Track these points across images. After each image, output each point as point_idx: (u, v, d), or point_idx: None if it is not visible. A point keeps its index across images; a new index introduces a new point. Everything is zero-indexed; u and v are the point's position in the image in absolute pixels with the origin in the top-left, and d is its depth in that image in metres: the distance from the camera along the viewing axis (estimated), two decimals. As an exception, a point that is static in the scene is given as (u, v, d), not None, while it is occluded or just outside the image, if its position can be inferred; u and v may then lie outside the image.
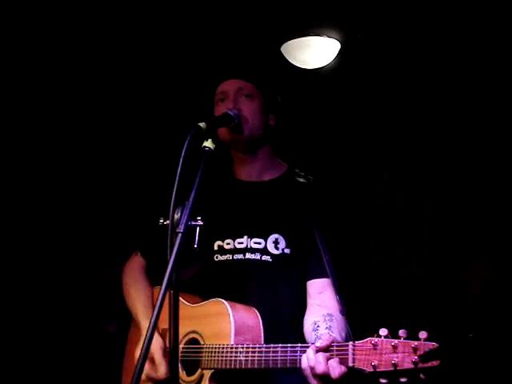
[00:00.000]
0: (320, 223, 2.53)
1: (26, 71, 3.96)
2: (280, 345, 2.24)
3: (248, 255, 2.56)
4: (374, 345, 2.00)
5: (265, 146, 2.65)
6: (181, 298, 2.47)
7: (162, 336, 2.57)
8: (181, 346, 2.49)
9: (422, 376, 1.92)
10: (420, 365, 1.91)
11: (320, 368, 2.09)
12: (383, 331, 1.99)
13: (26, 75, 3.99)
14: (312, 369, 2.11)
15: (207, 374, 2.39)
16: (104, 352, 4.21)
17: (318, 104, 4.50)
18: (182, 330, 2.45)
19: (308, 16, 3.95)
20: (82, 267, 4.56)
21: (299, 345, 2.20)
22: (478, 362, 3.89)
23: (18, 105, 4.13)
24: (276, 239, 2.54)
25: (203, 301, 2.53)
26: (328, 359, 2.10)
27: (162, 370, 2.47)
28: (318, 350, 2.12)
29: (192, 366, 2.45)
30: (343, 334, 2.34)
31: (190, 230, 1.99)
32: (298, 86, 4.36)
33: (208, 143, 2.20)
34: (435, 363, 1.90)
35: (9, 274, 4.24)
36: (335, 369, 2.07)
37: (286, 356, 2.21)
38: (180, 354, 2.47)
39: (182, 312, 2.41)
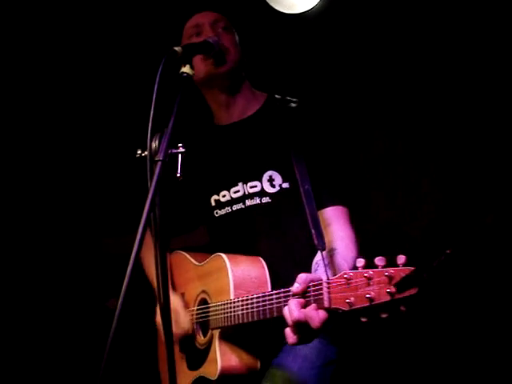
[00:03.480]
0: (315, 147, 2.32)
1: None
2: (267, 292, 2.06)
3: (248, 202, 2.40)
4: (348, 279, 1.70)
5: (244, 83, 2.50)
6: (190, 257, 2.63)
7: (181, 298, 2.52)
8: (195, 307, 2.43)
9: (402, 308, 1.60)
10: (397, 296, 1.59)
11: (294, 316, 1.84)
12: (359, 261, 1.68)
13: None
14: (288, 318, 1.88)
15: (216, 333, 2.28)
16: (104, 330, 4.05)
17: (305, 51, 4.26)
18: (194, 291, 2.45)
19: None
20: (80, 240, 4.36)
21: (282, 290, 1.99)
22: (461, 284, 3.59)
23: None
24: (270, 176, 2.36)
25: (210, 255, 2.42)
26: (304, 306, 1.85)
27: (185, 326, 2.43)
28: (294, 296, 1.89)
29: (205, 326, 2.38)
30: (345, 266, 2.06)
31: (170, 159, 1.79)
32: (285, 32, 4.13)
33: (186, 69, 2.01)
34: (413, 291, 1.57)
35: (6, 249, 4.07)
36: (313, 317, 1.80)
37: (273, 304, 2.01)
38: (195, 316, 2.42)
39: (191, 272, 2.49)
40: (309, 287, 1.86)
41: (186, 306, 2.50)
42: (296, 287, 1.87)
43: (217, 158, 2.52)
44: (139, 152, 1.85)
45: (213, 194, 2.50)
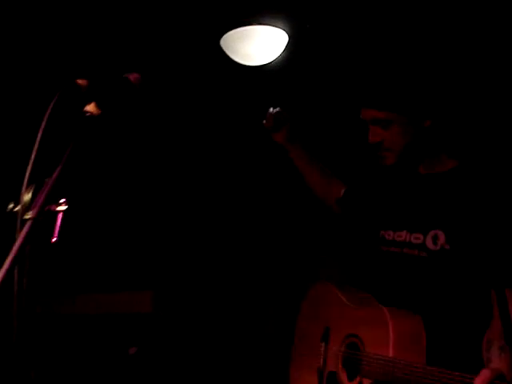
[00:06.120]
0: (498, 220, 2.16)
1: None
2: (447, 371, 1.92)
3: (406, 250, 2.34)
4: None
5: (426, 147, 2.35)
6: (338, 292, 2.51)
7: (325, 335, 2.45)
8: (342, 347, 2.39)
9: None
10: None
11: None
12: None
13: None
14: None
15: (366, 383, 2.22)
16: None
17: (264, 104, 3.97)
18: (342, 331, 2.42)
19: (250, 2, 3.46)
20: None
21: (468, 376, 1.84)
22: None
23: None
24: (435, 234, 2.26)
25: (362, 298, 2.41)
26: None
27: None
28: None
29: (352, 371, 2.31)
30: None
31: (48, 217, 1.41)
32: (242, 84, 3.83)
33: (90, 107, 1.62)
34: None
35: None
36: None
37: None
38: (341, 357, 2.37)
39: (339, 310, 2.47)
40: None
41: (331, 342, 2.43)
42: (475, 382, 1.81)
43: (393, 198, 2.47)
44: (10, 206, 1.46)
45: (381, 229, 2.45)
